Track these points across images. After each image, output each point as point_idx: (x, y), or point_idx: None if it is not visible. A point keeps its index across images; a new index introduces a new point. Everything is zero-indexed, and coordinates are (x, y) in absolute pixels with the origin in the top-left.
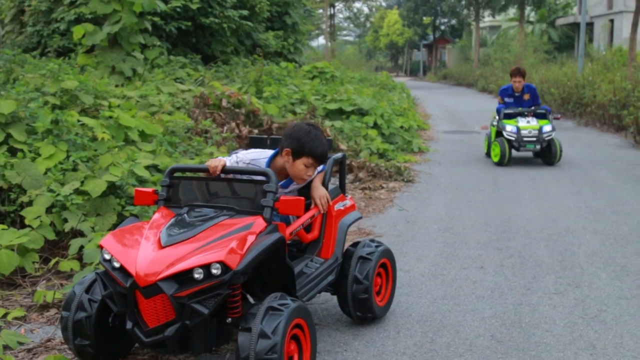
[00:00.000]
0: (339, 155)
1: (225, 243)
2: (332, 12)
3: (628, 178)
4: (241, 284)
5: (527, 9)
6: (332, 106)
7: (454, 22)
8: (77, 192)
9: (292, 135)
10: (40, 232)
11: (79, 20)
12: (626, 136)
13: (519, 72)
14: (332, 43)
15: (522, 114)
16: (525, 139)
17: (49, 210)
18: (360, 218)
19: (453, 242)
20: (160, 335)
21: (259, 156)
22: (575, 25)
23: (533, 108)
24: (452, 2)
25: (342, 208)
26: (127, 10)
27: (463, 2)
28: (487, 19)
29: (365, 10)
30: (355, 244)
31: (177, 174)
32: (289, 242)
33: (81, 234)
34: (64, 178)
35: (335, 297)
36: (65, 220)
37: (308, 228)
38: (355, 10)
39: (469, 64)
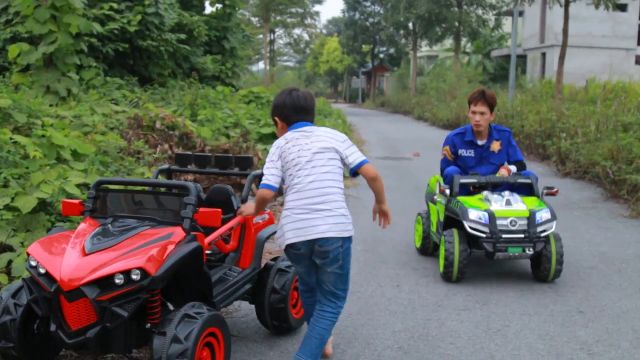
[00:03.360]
0: (258, 171)
1: (146, 251)
2: (272, 37)
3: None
4: (160, 290)
5: (463, 40)
6: (266, 130)
7: (392, 51)
8: (8, 208)
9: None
10: None
11: (14, 39)
12: (549, 165)
13: (482, 98)
14: (272, 68)
15: (492, 185)
16: (504, 235)
17: None
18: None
19: (373, 262)
20: (82, 337)
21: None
22: (509, 57)
23: (509, 171)
24: (391, 31)
25: (260, 222)
26: (63, 31)
27: (401, 32)
28: (424, 49)
29: (306, 37)
30: (274, 259)
31: (103, 187)
32: (209, 252)
33: (10, 248)
34: None
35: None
36: None
37: (227, 239)
38: (295, 36)
39: (407, 92)
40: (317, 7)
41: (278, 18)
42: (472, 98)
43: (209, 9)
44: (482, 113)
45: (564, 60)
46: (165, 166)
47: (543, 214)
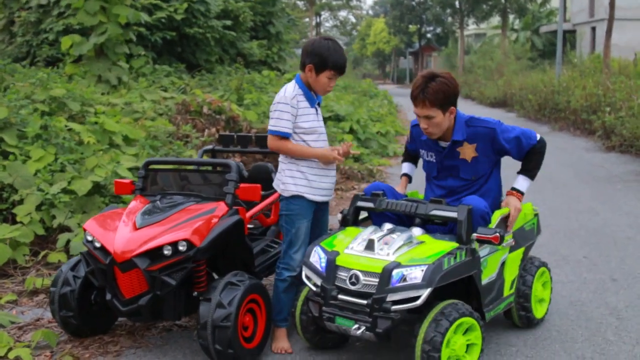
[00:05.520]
0: None
1: (191, 224)
2: (318, 20)
3: (589, 178)
4: (206, 261)
5: (511, 17)
6: None
7: (439, 30)
8: (65, 191)
9: (312, 51)
10: (30, 227)
11: (67, 30)
12: (594, 140)
13: (422, 96)
14: None
15: (405, 217)
16: (340, 296)
17: (38, 208)
18: None
19: None
20: (135, 304)
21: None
22: None
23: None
24: (437, 10)
25: None
26: (113, 22)
27: (448, 11)
28: (471, 27)
29: (352, 19)
30: None
31: (151, 167)
32: (251, 226)
33: (68, 229)
34: (52, 178)
35: None
36: (54, 217)
37: (268, 214)
38: (341, 19)
39: (455, 72)
40: None
41: (324, 1)
42: (412, 98)
43: None
44: (427, 117)
45: (612, 33)
46: (210, 146)
47: (409, 274)
